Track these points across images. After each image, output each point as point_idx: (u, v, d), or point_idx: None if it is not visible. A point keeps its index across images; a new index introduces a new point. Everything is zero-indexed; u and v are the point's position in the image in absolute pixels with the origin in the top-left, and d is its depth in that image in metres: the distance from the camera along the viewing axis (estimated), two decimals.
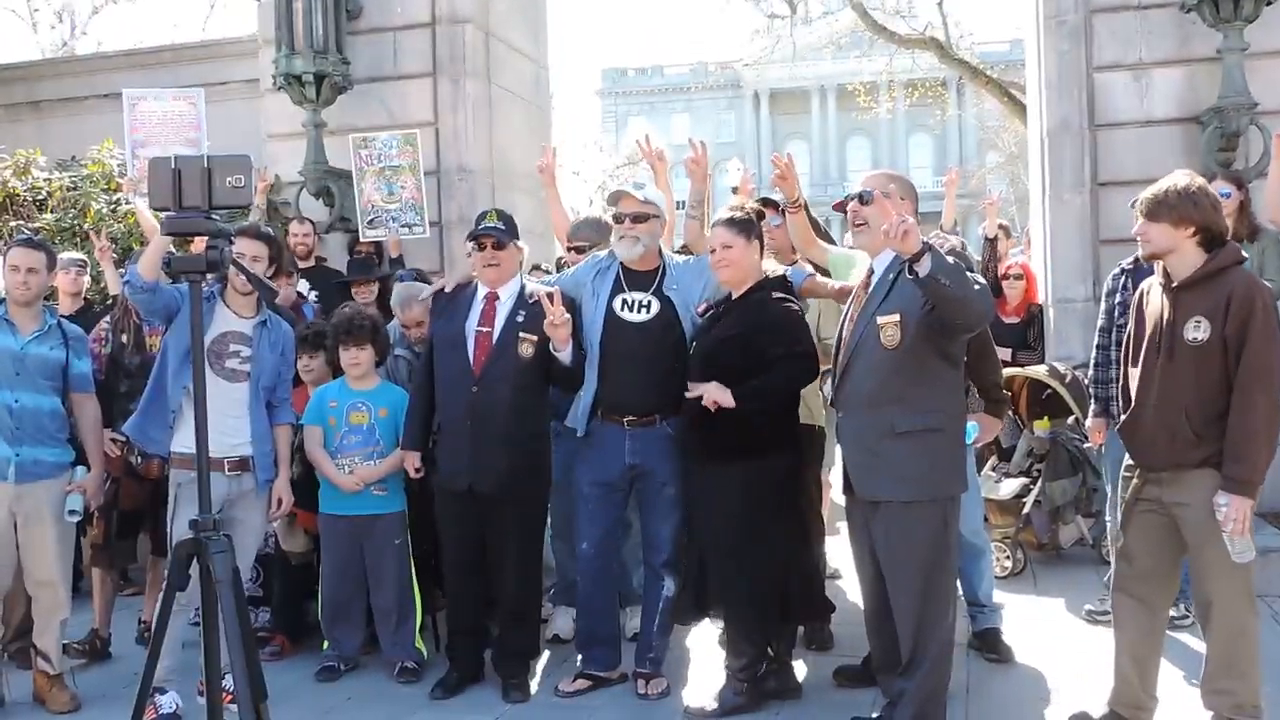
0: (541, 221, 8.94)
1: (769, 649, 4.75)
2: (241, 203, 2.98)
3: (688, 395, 4.53)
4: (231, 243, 3.00)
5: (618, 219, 4.97)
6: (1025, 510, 6.73)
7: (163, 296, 4.78)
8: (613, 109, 54.12)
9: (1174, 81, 7.33)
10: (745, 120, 58.47)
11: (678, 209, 5.52)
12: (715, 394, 4.40)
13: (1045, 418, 6.91)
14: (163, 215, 3.00)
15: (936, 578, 4.09)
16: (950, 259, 3.77)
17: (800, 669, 5.09)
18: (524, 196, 8.89)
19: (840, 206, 4.62)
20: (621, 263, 4.98)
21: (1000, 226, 8.55)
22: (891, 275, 4.06)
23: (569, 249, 5.95)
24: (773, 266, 4.84)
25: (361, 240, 7.76)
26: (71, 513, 5.02)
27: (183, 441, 4.76)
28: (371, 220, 7.74)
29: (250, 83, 8.88)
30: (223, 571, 3.04)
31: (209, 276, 3.05)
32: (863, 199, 4.10)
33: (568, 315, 4.74)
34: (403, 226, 7.72)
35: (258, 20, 8.58)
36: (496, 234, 4.94)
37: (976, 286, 3.84)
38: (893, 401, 4.03)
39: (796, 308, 4.66)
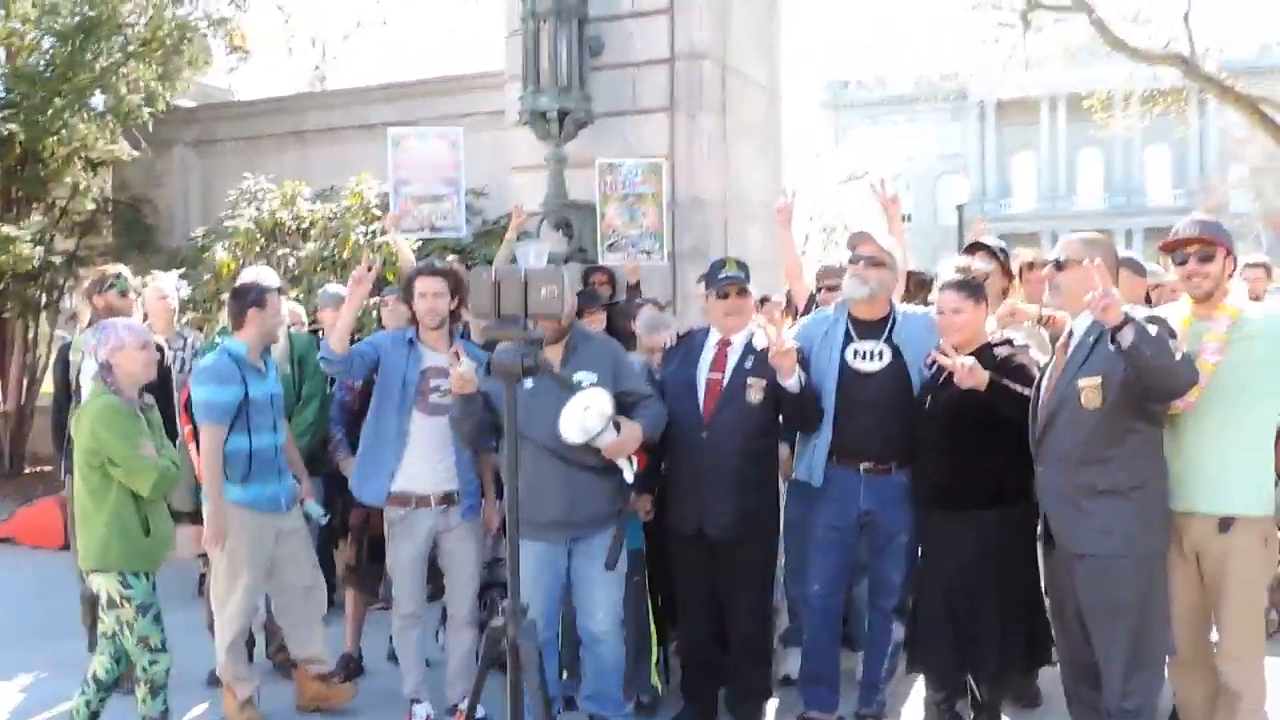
0: (772, 252, 9.02)
1: (978, 693, 4.82)
2: (553, 311, 3.17)
3: (936, 359, 4.54)
4: (542, 347, 3.18)
5: (854, 260, 5.03)
6: None
7: (356, 361, 5.18)
8: (834, 121, 53.68)
9: None
10: (970, 131, 57.07)
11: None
12: (969, 370, 4.39)
13: None
14: (481, 322, 3.21)
15: (1145, 636, 4.08)
16: (1153, 328, 3.80)
17: None
18: (756, 226, 8.99)
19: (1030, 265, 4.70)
20: (850, 314, 5.04)
21: (1259, 265, 8.11)
22: (1091, 338, 4.11)
23: (820, 288, 6.05)
24: (993, 327, 4.89)
25: (600, 262, 7.96)
26: (324, 514, 5.54)
27: (398, 483, 5.11)
28: (611, 244, 7.91)
29: (495, 114, 9.26)
30: (528, 656, 3.24)
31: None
32: (1059, 265, 4.24)
33: (794, 343, 4.80)
34: (641, 252, 7.89)
35: (505, 56, 8.94)
36: (740, 282, 5.04)
37: (1179, 356, 3.84)
38: (1094, 462, 4.08)
39: (1026, 361, 4.65)
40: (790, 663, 5.72)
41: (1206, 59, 19.44)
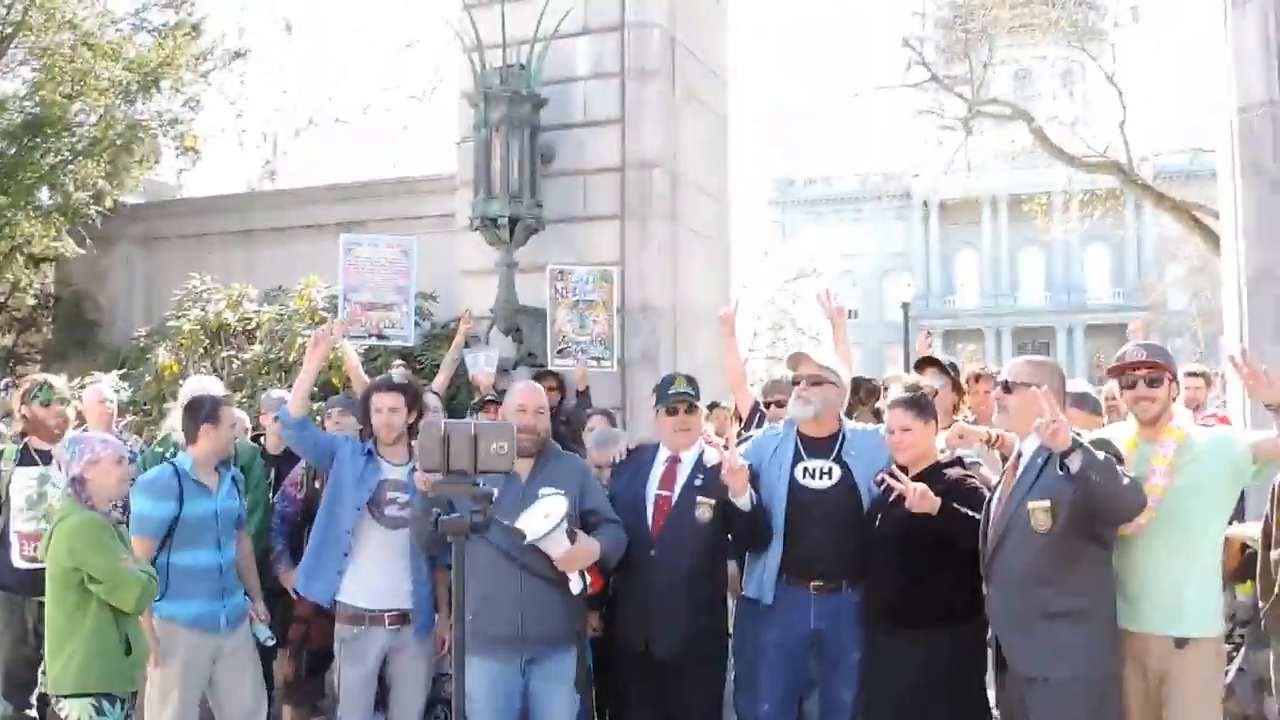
0: (721, 355, 9.05)
1: None
2: (504, 468, 3.13)
3: (888, 481, 4.52)
4: (492, 502, 3.13)
5: (795, 380, 5.05)
6: (1228, 679, 6.39)
7: (312, 435, 5.20)
8: (781, 218, 54.47)
9: None
10: (914, 230, 58.15)
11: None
12: (920, 496, 4.38)
13: (1249, 581, 6.58)
14: (433, 477, 3.18)
15: None
16: (1101, 454, 3.86)
17: None
18: (705, 332, 9.01)
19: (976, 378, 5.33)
20: (799, 431, 5.03)
21: (1199, 374, 8.25)
22: (1040, 460, 4.15)
23: (768, 403, 6.04)
24: (943, 444, 4.88)
25: (548, 368, 7.94)
26: (270, 637, 5.35)
27: (349, 593, 5.04)
28: (561, 350, 7.92)
29: (445, 217, 9.26)
30: None
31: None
32: (1007, 388, 4.31)
33: (745, 461, 4.78)
34: (591, 358, 7.89)
35: (457, 160, 8.98)
36: (689, 399, 5.04)
37: (1127, 480, 3.90)
38: (1044, 584, 4.10)
39: (978, 482, 4.65)
40: None
41: (1143, 165, 20.04)
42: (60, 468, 4.55)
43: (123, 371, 8.09)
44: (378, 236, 7.65)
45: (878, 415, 6.05)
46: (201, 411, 5.14)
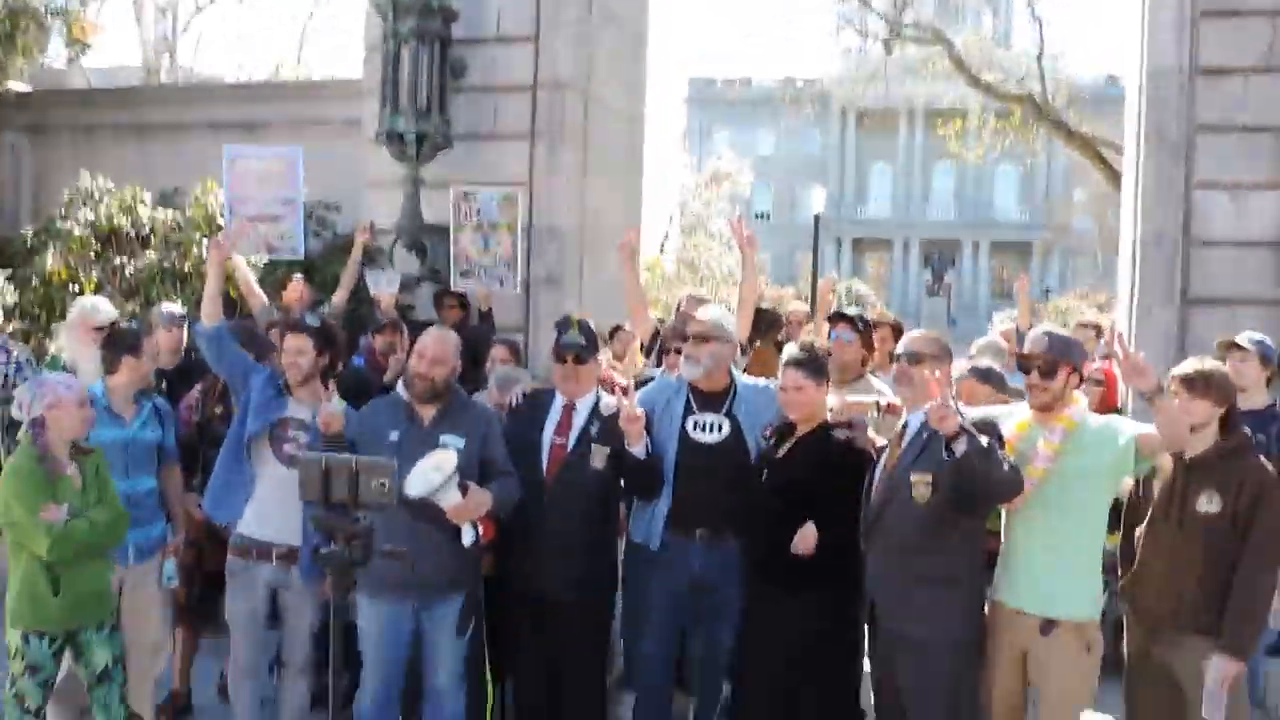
0: None
1: None
2: (385, 503, 3.12)
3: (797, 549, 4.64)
4: (373, 532, 3.12)
5: (683, 337, 5.08)
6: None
7: (231, 348, 5.19)
8: (698, 119, 54.07)
9: (1272, 203, 7.25)
10: (831, 137, 58.21)
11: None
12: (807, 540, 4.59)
13: (1116, 532, 6.83)
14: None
15: (959, 717, 4.30)
16: (984, 438, 4.01)
17: None
18: (613, 253, 8.96)
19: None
20: (691, 385, 5.09)
21: (1091, 325, 8.45)
22: (925, 434, 4.28)
23: (667, 349, 6.07)
24: (835, 404, 4.94)
25: (453, 287, 7.87)
26: (170, 579, 5.33)
27: (247, 524, 5.03)
28: (465, 271, 7.88)
29: (351, 123, 8.99)
30: None
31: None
32: (911, 359, 4.44)
33: (641, 411, 4.85)
34: (494, 280, 7.85)
35: (364, 69, 8.72)
36: (578, 349, 5.07)
37: (1006, 466, 4.08)
38: (920, 551, 4.29)
39: (865, 444, 4.76)
40: (626, 707, 5.75)
41: (1058, 93, 20.24)
42: (20, 408, 4.50)
43: (8, 272, 7.80)
44: (262, 148, 7.43)
45: (779, 347, 6.14)
46: (124, 342, 5.18)
